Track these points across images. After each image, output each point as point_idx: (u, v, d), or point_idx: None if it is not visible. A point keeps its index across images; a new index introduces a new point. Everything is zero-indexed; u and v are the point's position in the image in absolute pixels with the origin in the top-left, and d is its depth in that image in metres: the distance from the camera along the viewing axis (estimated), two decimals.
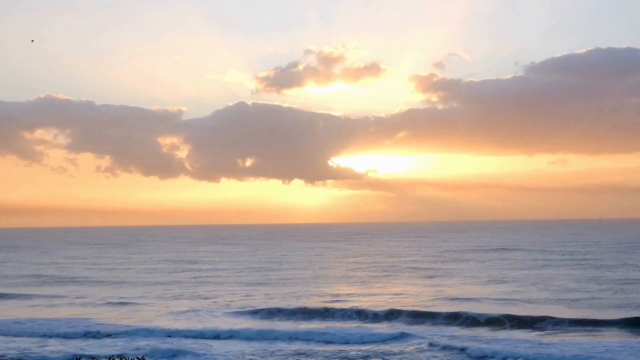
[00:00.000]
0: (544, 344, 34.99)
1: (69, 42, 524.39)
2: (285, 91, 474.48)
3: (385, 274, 76.26)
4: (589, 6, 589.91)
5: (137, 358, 23.45)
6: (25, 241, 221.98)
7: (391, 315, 45.22)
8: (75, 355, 33.13)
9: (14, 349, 36.37)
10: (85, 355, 33.09)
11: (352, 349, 35.42)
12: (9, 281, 74.04)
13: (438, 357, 33.32)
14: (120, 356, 21.30)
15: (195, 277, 75.69)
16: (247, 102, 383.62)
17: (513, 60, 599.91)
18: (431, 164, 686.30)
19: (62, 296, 59.53)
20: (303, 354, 34.69)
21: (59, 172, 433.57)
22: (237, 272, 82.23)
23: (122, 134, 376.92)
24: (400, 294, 56.03)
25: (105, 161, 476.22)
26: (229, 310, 48.48)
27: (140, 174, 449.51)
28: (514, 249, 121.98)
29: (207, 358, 33.92)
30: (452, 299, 52.15)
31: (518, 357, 32.31)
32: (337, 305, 48.91)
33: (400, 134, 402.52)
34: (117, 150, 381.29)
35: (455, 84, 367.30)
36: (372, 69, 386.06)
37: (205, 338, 39.01)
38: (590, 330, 38.99)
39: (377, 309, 46.79)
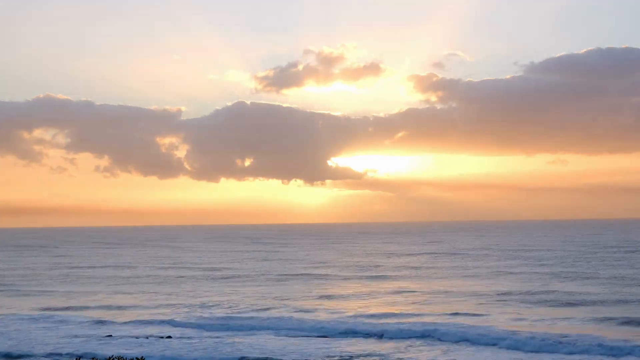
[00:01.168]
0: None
1: (68, 41, 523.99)
2: (285, 91, 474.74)
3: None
4: (589, 6, 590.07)
5: (137, 358, 23.00)
6: None
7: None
8: None
9: None
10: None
11: None
12: None
13: None
14: (120, 356, 20.80)
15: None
16: (246, 101, 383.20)
17: (513, 60, 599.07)
18: (431, 164, 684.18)
19: None
20: None
21: (58, 172, 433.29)
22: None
23: (121, 134, 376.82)
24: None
25: (104, 161, 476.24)
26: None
27: (139, 174, 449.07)
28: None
29: None
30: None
31: None
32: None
33: (400, 134, 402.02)
34: (116, 150, 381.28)
35: (454, 84, 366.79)
36: (372, 68, 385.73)
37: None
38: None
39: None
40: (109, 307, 55.09)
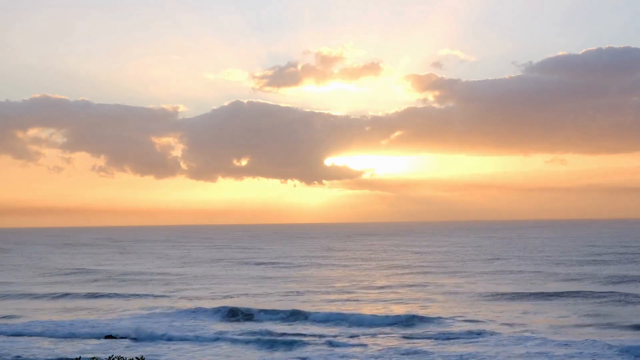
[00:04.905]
0: None
1: (65, 41, 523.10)
2: (284, 90, 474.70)
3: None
4: (589, 6, 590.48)
5: (137, 358, 21.91)
6: None
7: None
8: None
9: None
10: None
11: None
12: None
13: None
14: (120, 356, 19.51)
15: None
16: (243, 101, 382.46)
17: (511, 60, 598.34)
18: (429, 164, 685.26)
19: None
20: None
21: (55, 172, 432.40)
22: None
23: (117, 133, 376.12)
24: None
25: (101, 160, 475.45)
26: None
27: (136, 174, 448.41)
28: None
29: None
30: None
31: None
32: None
33: (398, 134, 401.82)
34: (112, 150, 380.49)
35: (453, 84, 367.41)
36: (370, 68, 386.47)
37: None
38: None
39: None
40: None
